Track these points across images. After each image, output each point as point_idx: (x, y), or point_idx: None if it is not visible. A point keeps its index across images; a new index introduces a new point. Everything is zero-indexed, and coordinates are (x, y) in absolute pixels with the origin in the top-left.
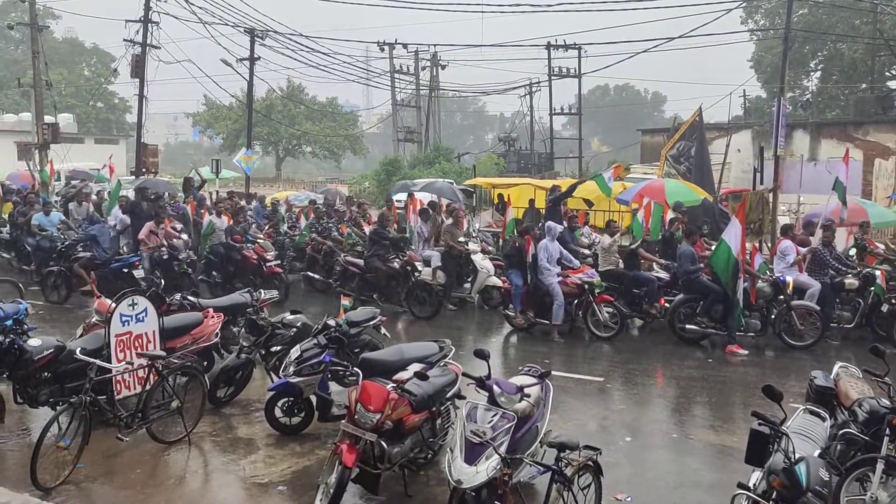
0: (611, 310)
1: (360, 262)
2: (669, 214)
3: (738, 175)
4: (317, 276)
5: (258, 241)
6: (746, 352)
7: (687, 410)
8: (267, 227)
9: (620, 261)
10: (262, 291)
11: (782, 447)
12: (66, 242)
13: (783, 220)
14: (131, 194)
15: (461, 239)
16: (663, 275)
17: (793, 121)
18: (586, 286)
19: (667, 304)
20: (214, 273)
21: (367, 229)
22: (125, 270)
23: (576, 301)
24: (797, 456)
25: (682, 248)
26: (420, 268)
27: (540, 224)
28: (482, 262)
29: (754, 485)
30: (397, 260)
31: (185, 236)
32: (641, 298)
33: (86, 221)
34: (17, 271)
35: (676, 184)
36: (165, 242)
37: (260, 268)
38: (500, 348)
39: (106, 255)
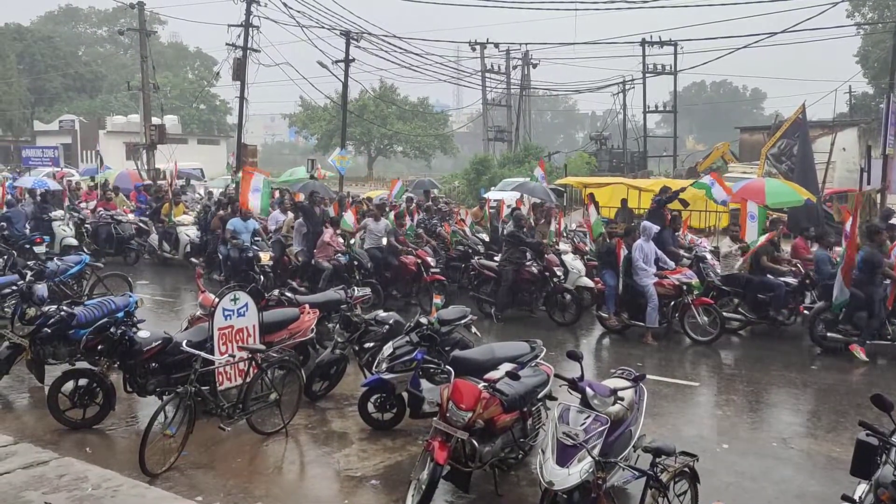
0: (710, 313)
1: (494, 265)
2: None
3: (842, 175)
4: None
5: (419, 245)
6: (867, 359)
7: (788, 418)
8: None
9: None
10: (356, 289)
11: (892, 459)
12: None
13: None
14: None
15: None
16: (792, 280)
17: None
18: (685, 287)
19: (806, 311)
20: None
21: (455, 229)
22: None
23: (672, 303)
24: None
25: (818, 253)
26: (559, 272)
27: (633, 223)
28: (573, 262)
29: (860, 497)
30: (535, 264)
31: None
32: (767, 304)
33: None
34: (207, 278)
35: (777, 183)
36: (341, 250)
37: (420, 274)
38: (592, 350)
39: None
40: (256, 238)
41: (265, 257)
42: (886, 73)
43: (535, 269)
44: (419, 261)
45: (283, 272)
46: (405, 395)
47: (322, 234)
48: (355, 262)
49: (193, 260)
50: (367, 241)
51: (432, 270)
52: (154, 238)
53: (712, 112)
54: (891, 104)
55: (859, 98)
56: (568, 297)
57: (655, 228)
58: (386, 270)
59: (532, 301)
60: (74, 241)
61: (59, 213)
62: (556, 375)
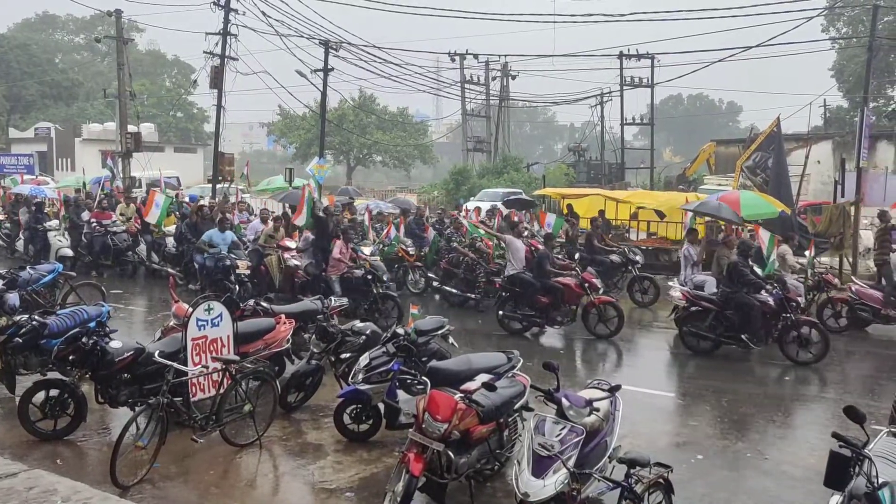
0: None
1: (713, 296)
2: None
3: (817, 187)
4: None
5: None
6: None
7: (761, 429)
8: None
9: None
10: (333, 299)
11: (864, 471)
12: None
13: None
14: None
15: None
16: None
17: (877, 131)
18: None
19: None
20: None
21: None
22: None
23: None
24: (881, 481)
25: None
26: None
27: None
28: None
29: None
30: (771, 296)
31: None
32: None
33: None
34: (183, 289)
35: (752, 196)
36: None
37: (580, 296)
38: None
39: None
40: (236, 250)
41: (242, 266)
42: (860, 88)
43: (770, 301)
44: (585, 283)
45: (261, 282)
46: (381, 406)
47: (332, 250)
48: (369, 277)
49: (170, 270)
50: (509, 265)
51: (601, 292)
52: (142, 248)
53: (689, 124)
54: (865, 118)
55: (834, 111)
56: (812, 331)
57: None
58: (543, 296)
59: (765, 336)
60: (70, 252)
61: (54, 222)
62: (533, 386)
